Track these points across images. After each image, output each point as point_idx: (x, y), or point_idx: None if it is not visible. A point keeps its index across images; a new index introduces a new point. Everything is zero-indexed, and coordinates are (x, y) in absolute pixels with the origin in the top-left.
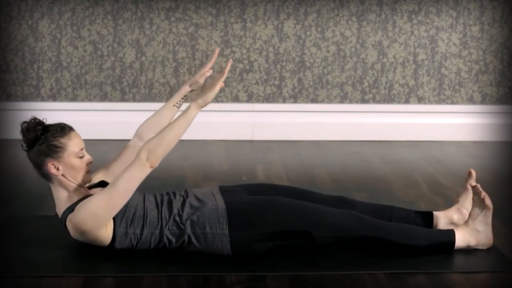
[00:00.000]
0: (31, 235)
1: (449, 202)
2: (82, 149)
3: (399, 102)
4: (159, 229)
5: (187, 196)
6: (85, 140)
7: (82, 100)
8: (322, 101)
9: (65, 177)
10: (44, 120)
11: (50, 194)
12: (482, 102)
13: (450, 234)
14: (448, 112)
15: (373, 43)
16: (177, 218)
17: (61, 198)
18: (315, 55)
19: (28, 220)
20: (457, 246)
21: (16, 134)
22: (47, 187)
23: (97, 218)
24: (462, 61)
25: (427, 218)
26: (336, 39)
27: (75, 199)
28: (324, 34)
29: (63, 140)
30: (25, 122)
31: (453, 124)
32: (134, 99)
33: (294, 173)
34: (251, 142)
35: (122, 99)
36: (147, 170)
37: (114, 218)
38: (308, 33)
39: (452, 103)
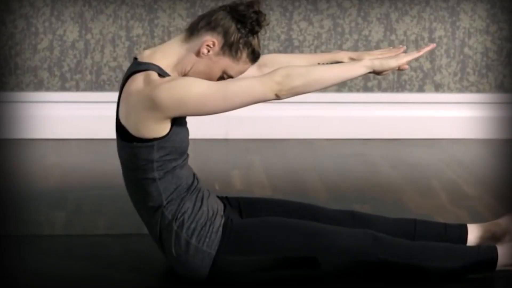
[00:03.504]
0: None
1: (475, 216)
2: (230, 76)
3: (411, 91)
4: (165, 200)
5: (198, 185)
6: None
7: (12, 90)
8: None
9: (195, 62)
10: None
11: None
12: None
13: (492, 250)
14: (473, 103)
15: (378, 16)
16: (181, 205)
17: (168, 57)
18: (305, 31)
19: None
20: (501, 264)
21: None
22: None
23: (181, 100)
24: (490, 39)
25: (461, 233)
26: (332, 11)
27: (171, 74)
28: (317, 5)
29: (246, 57)
30: (257, 4)
31: (479, 117)
32: (77, 88)
33: (278, 179)
34: (225, 141)
35: (62, 88)
36: (270, 95)
37: (172, 141)
38: (297, 3)
39: (478, 91)
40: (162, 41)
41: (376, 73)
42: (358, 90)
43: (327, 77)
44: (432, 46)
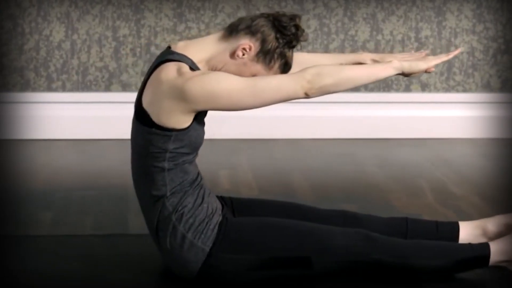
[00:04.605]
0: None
1: (461, 215)
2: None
3: (397, 90)
4: (169, 191)
5: (201, 182)
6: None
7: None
8: None
9: (227, 62)
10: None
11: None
12: (502, 89)
13: (484, 247)
14: (459, 103)
15: (365, 16)
16: (183, 199)
17: (201, 52)
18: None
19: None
20: (493, 261)
21: None
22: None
23: (211, 94)
24: (476, 38)
25: (452, 231)
26: (318, 11)
27: (202, 69)
28: (303, 5)
29: (278, 68)
30: (299, 18)
31: (466, 117)
32: (63, 88)
33: (266, 180)
34: (211, 141)
35: (49, 88)
36: (299, 93)
37: (191, 136)
38: (283, 3)
39: (464, 90)
40: (149, 41)
41: (404, 74)
42: (345, 90)
43: (357, 76)
44: (459, 50)
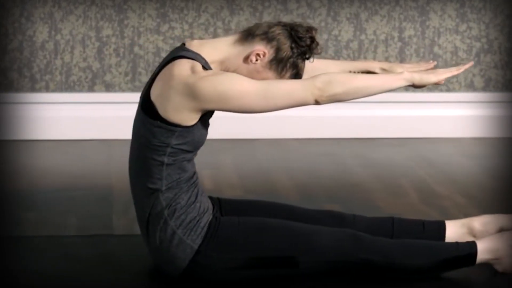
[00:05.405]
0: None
1: (445, 214)
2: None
3: None
4: (164, 186)
5: (196, 181)
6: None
7: None
8: None
9: (240, 66)
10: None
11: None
12: (485, 88)
13: (471, 245)
14: (443, 102)
15: (348, 15)
16: (177, 195)
17: (215, 53)
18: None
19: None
20: (479, 259)
21: None
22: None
23: (223, 94)
24: (459, 38)
25: (439, 230)
26: (302, 11)
27: (216, 70)
28: (287, 5)
29: (288, 78)
30: (315, 31)
31: (449, 116)
32: (47, 89)
33: (249, 179)
34: None
35: (32, 89)
36: (310, 100)
37: (193, 138)
38: (267, 3)
39: (448, 90)
40: (132, 41)
41: (414, 86)
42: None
43: (367, 87)
44: (470, 63)
